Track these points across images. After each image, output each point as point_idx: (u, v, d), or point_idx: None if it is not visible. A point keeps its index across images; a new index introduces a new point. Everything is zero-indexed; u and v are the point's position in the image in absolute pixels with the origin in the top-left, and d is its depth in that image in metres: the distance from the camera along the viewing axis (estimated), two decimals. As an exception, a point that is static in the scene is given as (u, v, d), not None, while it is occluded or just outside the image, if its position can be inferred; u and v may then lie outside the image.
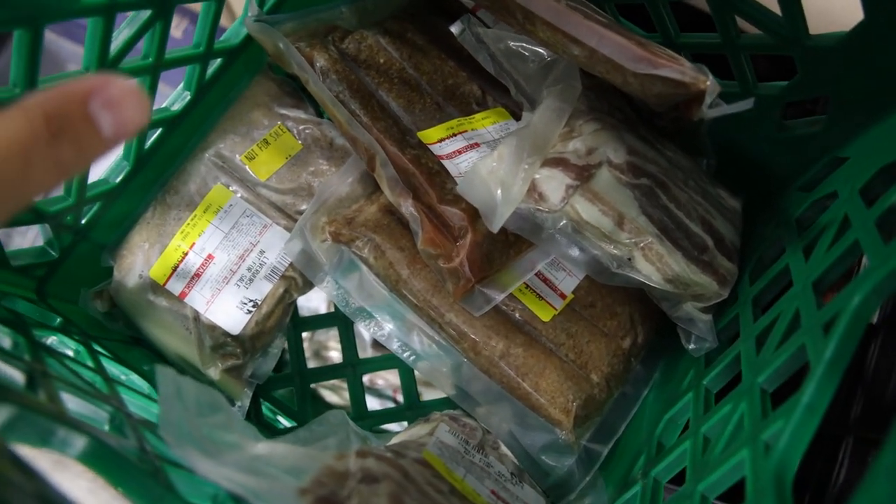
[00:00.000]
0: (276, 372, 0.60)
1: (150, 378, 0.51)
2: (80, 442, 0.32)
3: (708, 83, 0.41)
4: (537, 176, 0.46)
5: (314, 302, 0.82)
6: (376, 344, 0.82)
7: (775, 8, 0.46)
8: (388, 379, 0.85)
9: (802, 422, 0.33)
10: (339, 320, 0.62)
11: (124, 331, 0.56)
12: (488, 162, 0.46)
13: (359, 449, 0.39)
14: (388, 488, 0.36)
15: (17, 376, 0.34)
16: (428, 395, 0.62)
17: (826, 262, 0.40)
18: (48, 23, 0.37)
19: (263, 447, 0.36)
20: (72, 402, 0.35)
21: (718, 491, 0.38)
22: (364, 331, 0.58)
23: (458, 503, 0.40)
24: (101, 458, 0.31)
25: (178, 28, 1.00)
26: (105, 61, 0.42)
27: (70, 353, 0.46)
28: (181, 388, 0.33)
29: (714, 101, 0.43)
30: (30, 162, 0.23)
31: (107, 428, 0.37)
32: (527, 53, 0.53)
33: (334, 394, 0.83)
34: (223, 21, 0.51)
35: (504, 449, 0.53)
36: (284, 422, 0.63)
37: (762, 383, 0.39)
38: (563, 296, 0.54)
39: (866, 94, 0.46)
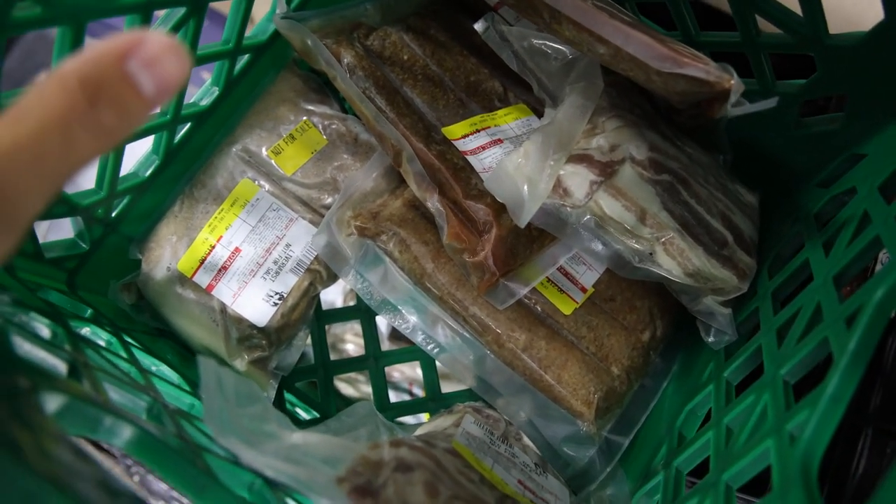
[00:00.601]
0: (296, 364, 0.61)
1: (178, 368, 0.52)
2: (126, 431, 0.33)
3: (733, 82, 0.42)
4: (562, 172, 0.47)
5: (331, 295, 0.83)
6: (393, 337, 0.83)
7: (796, 7, 0.47)
8: (403, 372, 0.86)
9: (827, 412, 0.34)
10: (362, 313, 0.63)
11: (151, 322, 0.57)
12: (514, 158, 0.47)
13: (392, 439, 0.39)
14: (422, 476, 0.36)
15: (59, 366, 0.35)
16: (446, 388, 0.63)
17: (847, 257, 0.41)
18: (89, 20, 0.37)
19: (299, 437, 0.37)
20: (112, 393, 0.36)
21: (742, 480, 0.39)
22: (388, 323, 0.58)
23: (488, 491, 0.41)
24: (147, 448, 0.32)
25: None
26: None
27: (102, 344, 0.47)
28: (222, 379, 0.34)
29: (739, 99, 0.44)
30: (71, 132, 0.22)
31: (145, 418, 0.38)
32: (549, 51, 0.53)
33: (350, 386, 0.84)
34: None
35: (526, 440, 0.54)
36: (303, 413, 0.64)
37: (784, 375, 0.40)
38: (583, 289, 0.55)
39: (885, 93, 0.46)
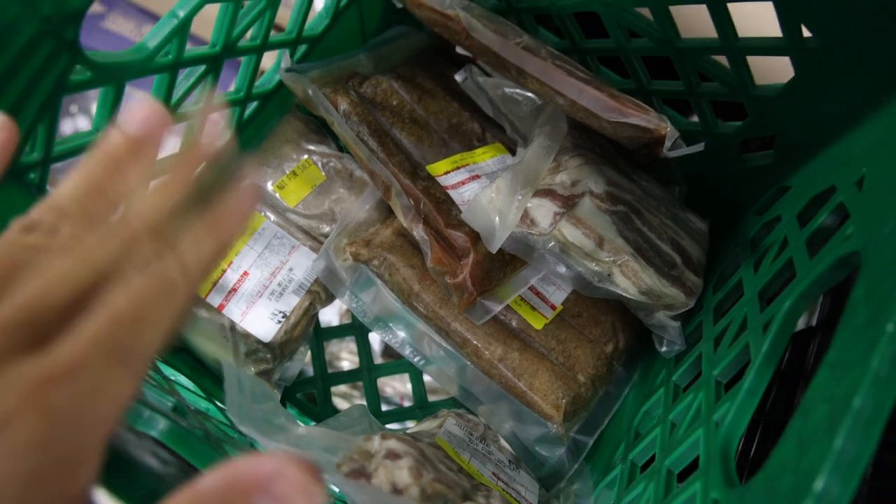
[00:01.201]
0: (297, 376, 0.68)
1: (193, 379, 0.58)
2: (161, 422, 0.40)
3: (667, 129, 0.49)
4: (529, 205, 0.55)
5: (327, 315, 0.90)
6: (385, 354, 0.90)
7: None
8: (395, 387, 0.93)
9: (744, 403, 0.41)
10: (356, 330, 0.70)
11: (168, 339, 0.63)
12: (488, 193, 0.54)
13: (383, 433, 0.46)
14: (408, 462, 0.43)
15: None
16: (433, 399, 0.69)
17: (769, 275, 0.48)
18: (129, 80, 0.45)
19: (304, 430, 0.44)
20: (146, 392, 0.43)
21: (682, 465, 0.45)
22: (380, 341, 0.65)
23: (465, 479, 0.48)
24: (179, 437, 0.40)
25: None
26: (167, 106, 0.50)
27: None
28: (241, 379, 0.41)
29: (676, 142, 0.51)
30: None
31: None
32: (520, 98, 0.61)
33: (345, 401, 0.90)
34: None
35: (503, 442, 0.61)
36: (300, 423, 0.70)
37: (717, 375, 0.47)
38: (553, 307, 0.62)
39: (804, 134, 0.54)
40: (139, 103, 0.28)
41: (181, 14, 0.46)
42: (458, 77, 0.61)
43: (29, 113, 0.39)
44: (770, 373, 0.42)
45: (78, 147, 0.45)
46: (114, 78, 0.44)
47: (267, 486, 0.21)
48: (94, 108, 0.56)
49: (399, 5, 0.60)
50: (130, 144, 0.28)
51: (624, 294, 0.56)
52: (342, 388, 0.89)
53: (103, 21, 1.31)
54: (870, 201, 0.41)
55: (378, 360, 0.88)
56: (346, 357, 0.92)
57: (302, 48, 0.64)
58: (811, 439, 0.31)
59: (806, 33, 0.47)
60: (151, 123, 0.28)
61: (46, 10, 0.35)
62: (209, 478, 0.22)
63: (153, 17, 1.23)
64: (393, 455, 0.44)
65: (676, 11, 0.53)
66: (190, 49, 0.49)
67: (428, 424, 0.58)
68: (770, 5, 0.46)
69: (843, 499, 0.27)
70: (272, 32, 0.57)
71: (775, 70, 0.53)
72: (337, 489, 0.49)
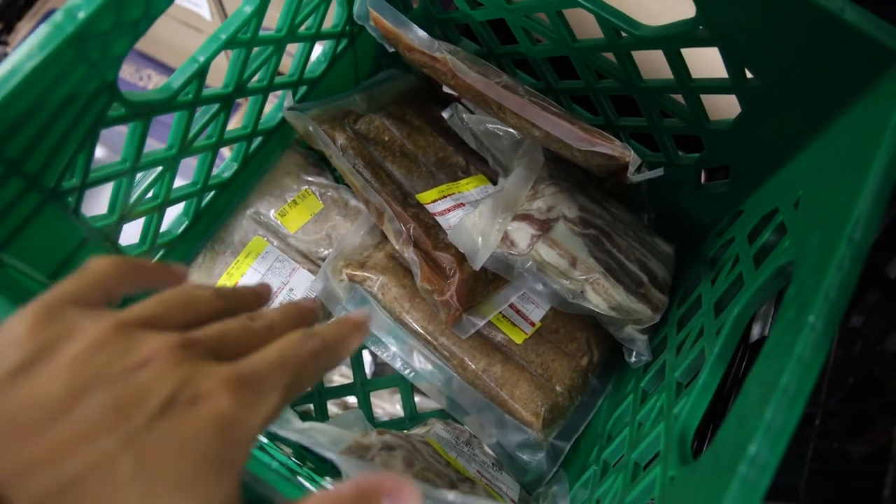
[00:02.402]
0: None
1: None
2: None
3: (630, 156, 0.56)
4: (509, 228, 0.61)
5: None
6: (374, 375, 0.95)
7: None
8: (384, 408, 0.98)
9: (699, 396, 0.47)
10: (351, 348, 0.75)
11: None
12: (472, 217, 0.60)
13: (378, 429, 0.52)
14: (401, 454, 0.49)
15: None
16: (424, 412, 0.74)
17: (723, 288, 0.54)
18: (154, 116, 0.51)
19: (308, 424, 0.49)
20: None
21: (647, 457, 0.51)
22: (370, 360, 0.70)
23: (453, 472, 0.53)
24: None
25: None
26: (186, 140, 0.56)
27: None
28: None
29: (639, 168, 0.58)
30: None
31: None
32: (501, 133, 0.67)
33: (338, 422, 0.95)
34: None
35: (487, 448, 0.66)
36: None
37: (677, 377, 0.53)
38: (532, 323, 0.68)
39: (752, 163, 0.60)
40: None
41: (201, 59, 0.52)
42: (444, 114, 0.67)
43: (73, 144, 0.45)
44: (722, 369, 0.48)
45: (108, 175, 0.51)
46: (143, 114, 0.50)
47: (392, 494, 0.29)
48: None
49: (391, 50, 0.67)
50: None
51: (596, 309, 0.62)
52: (333, 409, 0.94)
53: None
54: (803, 219, 0.47)
55: (369, 376, 0.93)
56: (336, 380, 0.97)
57: (302, 89, 0.70)
58: (747, 415, 0.36)
59: (749, 74, 0.54)
60: None
61: (94, 55, 0.41)
62: (347, 485, 0.29)
63: (152, 62, 1.29)
64: (388, 447, 0.49)
65: (638, 55, 0.60)
66: (207, 89, 0.55)
67: (418, 430, 0.64)
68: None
69: (772, 461, 0.33)
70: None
71: (731, 106, 0.59)
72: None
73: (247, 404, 0.28)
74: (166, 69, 1.28)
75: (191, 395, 0.27)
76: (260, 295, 0.38)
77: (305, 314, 0.36)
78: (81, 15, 0.39)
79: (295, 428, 0.47)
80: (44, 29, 0.38)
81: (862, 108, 0.47)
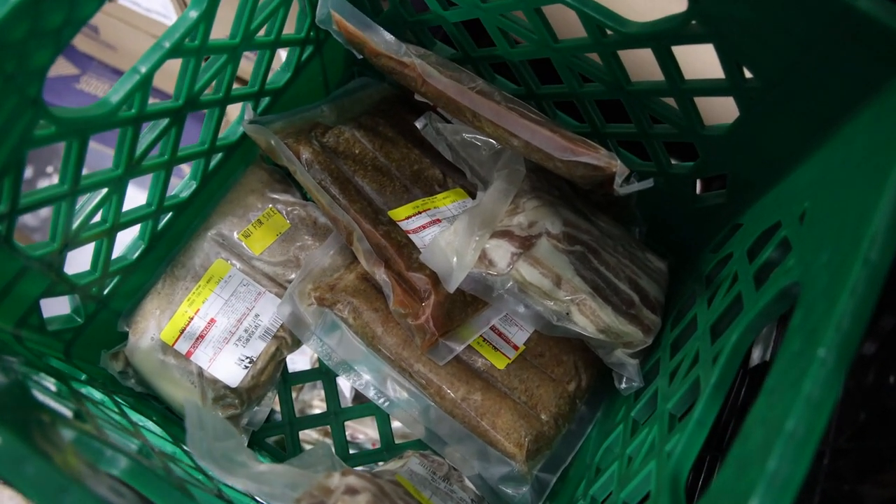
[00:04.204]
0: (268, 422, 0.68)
1: (162, 426, 0.59)
2: (123, 461, 0.40)
3: (617, 166, 0.51)
4: (487, 246, 0.56)
5: (299, 365, 0.91)
6: (356, 399, 0.90)
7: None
8: (367, 434, 0.93)
9: (693, 433, 0.42)
10: (323, 374, 0.70)
11: (137, 388, 0.64)
12: (446, 235, 0.56)
13: (343, 469, 0.47)
14: (366, 498, 0.44)
15: (66, 412, 0.43)
16: (402, 442, 0.70)
17: (720, 310, 0.50)
18: (92, 134, 0.46)
19: (266, 467, 0.44)
20: (109, 434, 0.44)
21: (637, 497, 0.46)
22: (345, 381, 0.66)
23: (425, 515, 0.48)
24: (141, 476, 0.40)
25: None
26: (133, 158, 0.51)
27: (98, 400, 0.54)
28: (203, 417, 0.42)
29: (627, 178, 0.53)
30: None
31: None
32: (479, 143, 0.63)
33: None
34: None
35: (467, 482, 0.61)
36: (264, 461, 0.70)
37: (670, 409, 0.48)
38: (515, 347, 0.63)
39: (752, 172, 0.56)
40: None
41: (143, 70, 0.48)
42: (418, 124, 0.63)
43: (-8, 166, 0.40)
44: (719, 403, 0.43)
45: (43, 199, 0.46)
46: (77, 132, 0.45)
47: None
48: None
49: (360, 57, 0.62)
50: None
51: (583, 332, 0.57)
52: (314, 435, 0.89)
53: (77, 83, 1.34)
54: (809, 234, 0.43)
55: (350, 405, 0.89)
56: (317, 405, 0.93)
57: (265, 100, 0.66)
58: (748, 462, 0.32)
59: (748, 74, 0.49)
60: None
61: (9, 68, 0.37)
62: None
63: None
64: (351, 490, 0.44)
65: (625, 55, 0.55)
66: (153, 103, 0.51)
67: (392, 464, 0.59)
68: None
69: (776, 519, 0.29)
70: (236, 85, 0.59)
71: (727, 110, 0.55)
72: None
73: None
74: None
75: None
76: None
77: None
78: (-13, 22, 0.34)
79: (249, 473, 0.43)
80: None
81: (874, 111, 0.43)
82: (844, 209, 0.39)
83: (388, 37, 0.57)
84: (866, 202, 0.36)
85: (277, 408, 0.70)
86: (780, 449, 0.30)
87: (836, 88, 0.45)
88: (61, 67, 1.36)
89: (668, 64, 0.52)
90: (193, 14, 0.49)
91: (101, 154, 1.21)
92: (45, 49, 0.39)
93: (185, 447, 0.55)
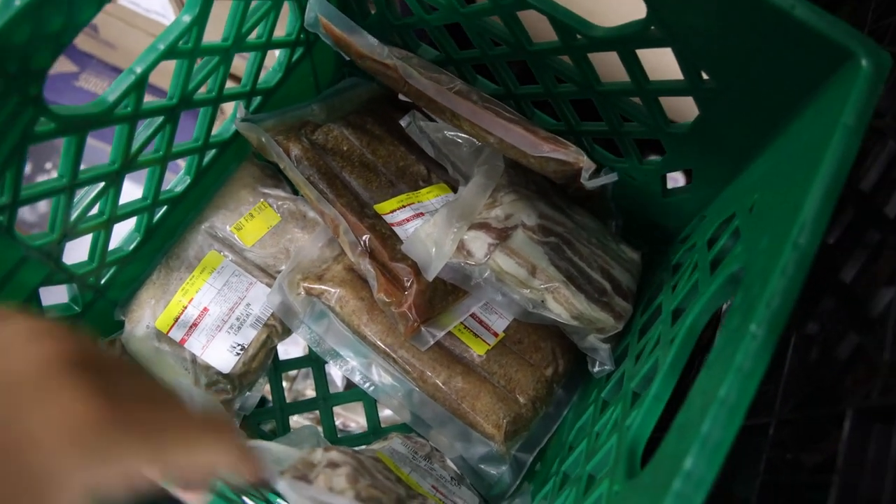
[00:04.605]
0: (259, 407, 0.72)
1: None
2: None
3: (584, 161, 0.54)
4: (465, 237, 0.59)
5: (293, 350, 0.94)
6: (347, 387, 0.93)
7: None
8: (359, 422, 0.96)
9: (650, 408, 0.46)
10: (313, 361, 0.73)
11: (133, 374, 0.67)
12: (426, 227, 0.59)
13: (325, 446, 0.50)
14: (346, 471, 0.47)
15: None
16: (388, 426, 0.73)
17: (681, 295, 0.53)
18: (91, 130, 0.49)
19: (252, 443, 0.48)
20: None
21: (601, 469, 0.49)
22: (333, 367, 0.69)
23: (402, 489, 0.51)
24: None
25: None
26: (129, 154, 0.55)
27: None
28: (193, 398, 0.45)
29: (597, 173, 0.56)
30: None
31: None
32: (461, 140, 0.66)
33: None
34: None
35: (449, 462, 0.64)
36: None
37: (633, 387, 0.51)
38: (495, 334, 0.66)
39: (715, 168, 0.59)
40: None
41: (138, 70, 0.51)
42: (402, 122, 0.66)
43: (-3, 160, 0.44)
44: (674, 380, 0.46)
45: (42, 192, 0.50)
46: (76, 129, 0.48)
47: None
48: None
49: (347, 58, 0.65)
50: None
51: (557, 319, 0.61)
52: (305, 422, 0.92)
53: (76, 80, 1.37)
54: (755, 224, 0.46)
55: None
56: (310, 394, 0.96)
57: (257, 99, 0.69)
58: (687, 428, 0.35)
59: (705, 76, 0.53)
60: None
61: (11, 68, 0.40)
62: None
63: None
64: (332, 464, 0.48)
65: (597, 59, 0.58)
66: (148, 101, 0.54)
67: (376, 444, 0.62)
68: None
69: (708, 476, 0.32)
70: (229, 82, 0.62)
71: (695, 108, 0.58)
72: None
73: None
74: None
75: None
76: None
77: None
78: (-7, 27, 0.38)
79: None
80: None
81: (814, 108, 0.46)
82: (784, 200, 0.42)
83: (372, 40, 0.61)
84: (801, 192, 0.39)
85: (270, 396, 0.73)
86: (713, 413, 0.33)
87: (784, 87, 0.48)
88: (61, 65, 1.39)
89: (633, 66, 0.55)
90: (187, 18, 0.52)
91: (98, 150, 1.24)
92: (46, 52, 0.42)
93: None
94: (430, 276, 0.57)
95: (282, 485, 0.44)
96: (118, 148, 0.54)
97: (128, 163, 0.55)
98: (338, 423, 0.73)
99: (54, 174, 0.51)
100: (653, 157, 0.65)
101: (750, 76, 0.49)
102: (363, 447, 0.62)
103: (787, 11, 0.43)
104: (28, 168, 1.36)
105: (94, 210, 0.56)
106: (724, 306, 0.51)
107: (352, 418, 0.96)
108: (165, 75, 0.56)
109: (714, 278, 0.47)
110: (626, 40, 0.54)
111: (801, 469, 0.42)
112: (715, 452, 0.32)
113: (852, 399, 0.40)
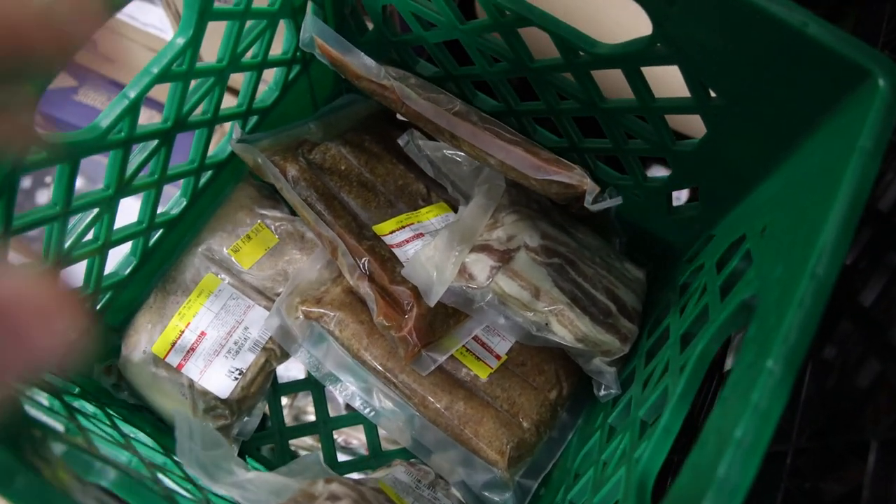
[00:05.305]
0: (259, 431, 0.70)
1: (154, 437, 0.60)
2: (112, 473, 0.42)
3: (588, 184, 0.53)
4: (467, 260, 0.58)
5: (293, 372, 0.93)
6: (349, 406, 0.92)
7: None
8: (360, 439, 0.95)
9: (660, 440, 0.44)
10: (312, 384, 0.72)
11: (130, 400, 0.66)
12: (427, 250, 0.58)
13: (326, 477, 0.49)
14: (347, 503, 0.46)
15: (58, 426, 0.45)
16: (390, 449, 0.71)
17: (690, 319, 0.52)
18: (83, 157, 0.48)
19: (253, 475, 0.47)
20: (100, 447, 0.46)
21: (609, 502, 0.48)
22: (333, 393, 0.68)
23: (406, 521, 0.50)
24: (129, 486, 0.42)
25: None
26: (123, 179, 0.53)
27: (90, 413, 0.56)
28: (192, 427, 0.44)
29: (601, 196, 0.55)
30: None
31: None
32: (460, 159, 0.65)
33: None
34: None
35: (453, 491, 0.63)
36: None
37: (641, 416, 0.50)
38: (498, 357, 0.65)
39: (722, 187, 0.58)
40: None
41: (132, 95, 0.50)
42: (400, 141, 0.65)
43: (-14, 192, 0.42)
44: (685, 411, 0.45)
45: (36, 221, 0.48)
46: (69, 156, 0.47)
47: None
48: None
49: (344, 76, 0.64)
50: None
51: (562, 342, 0.59)
52: (308, 441, 0.91)
53: (76, 94, 1.36)
54: (767, 248, 0.44)
55: (343, 412, 0.91)
56: (312, 411, 0.94)
57: (253, 119, 0.68)
58: (702, 469, 0.34)
59: (712, 93, 0.51)
60: None
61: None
62: None
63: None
64: (333, 497, 0.46)
65: (601, 76, 0.57)
66: (142, 125, 0.53)
67: (379, 473, 0.61)
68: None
69: (726, 521, 0.30)
70: (226, 96, 0.61)
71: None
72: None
73: None
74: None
75: None
76: None
77: None
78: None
79: (236, 480, 0.45)
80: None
81: (829, 129, 0.45)
82: (798, 224, 0.41)
83: (368, 61, 0.59)
84: (817, 217, 0.37)
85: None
86: (730, 456, 0.32)
87: (795, 106, 0.47)
88: (60, 80, 1.37)
89: (638, 84, 0.54)
90: (181, 41, 0.51)
91: (96, 163, 1.23)
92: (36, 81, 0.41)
93: (174, 457, 0.57)
94: (432, 302, 0.56)
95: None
96: (112, 173, 0.53)
97: (122, 188, 0.54)
98: (339, 439, 0.72)
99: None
100: (657, 174, 0.64)
101: (760, 95, 0.48)
102: (365, 476, 0.60)
103: (799, 29, 0.42)
104: (28, 182, 1.34)
105: (89, 236, 0.55)
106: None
107: (354, 435, 0.94)
108: (164, 89, 0.55)
109: (725, 305, 0.46)
110: (631, 58, 0.52)
111: (821, 500, 0.40)
112: (732, 497, 0.31)
113: (877, 430, 0.38)
